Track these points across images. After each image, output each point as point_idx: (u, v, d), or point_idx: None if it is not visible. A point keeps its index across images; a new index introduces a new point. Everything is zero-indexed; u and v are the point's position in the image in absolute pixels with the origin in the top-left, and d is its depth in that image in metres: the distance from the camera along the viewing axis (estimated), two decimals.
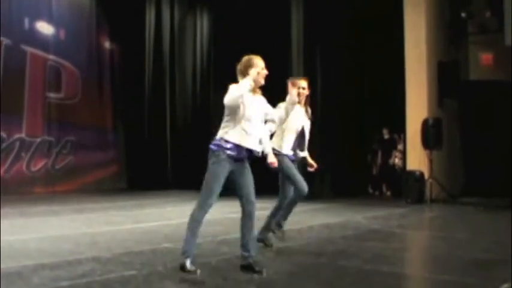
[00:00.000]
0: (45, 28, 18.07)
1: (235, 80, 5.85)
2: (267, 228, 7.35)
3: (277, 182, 7.34)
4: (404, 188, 14.33)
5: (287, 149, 7.19)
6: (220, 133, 5.80)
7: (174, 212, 12.28)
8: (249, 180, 5.86)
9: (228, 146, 5.71)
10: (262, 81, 5.81)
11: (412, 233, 9.97)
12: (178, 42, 19.59)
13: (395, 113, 15.02)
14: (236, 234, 6.06)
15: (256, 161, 5.96)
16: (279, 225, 7.43)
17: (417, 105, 14.40)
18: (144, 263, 6.31)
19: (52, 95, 18.15)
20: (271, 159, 6.36)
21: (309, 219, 10.07)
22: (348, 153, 15.36)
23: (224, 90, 5.77)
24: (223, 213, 10.85)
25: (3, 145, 16.81)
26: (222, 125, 5.83)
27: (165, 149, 19.31)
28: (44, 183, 17.75)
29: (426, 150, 14.15)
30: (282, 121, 6.63)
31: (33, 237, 8.39)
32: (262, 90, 5.97)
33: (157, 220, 10.69)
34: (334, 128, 14.42)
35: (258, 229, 6.84)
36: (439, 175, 14.19)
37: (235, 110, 5.71)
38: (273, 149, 6.86)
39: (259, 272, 5.70)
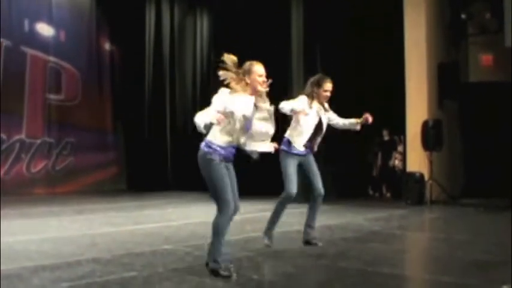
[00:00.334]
0: (45, 30, 18.09)
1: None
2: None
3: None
4: (404, 189, 14.32)
5: (299, 144, 7.17)
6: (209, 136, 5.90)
7: (174, 213, 12.28)
8: (234, 182, 5.94)
9: (217, 148, 5.80)
10: (259, 88, 5.82)
11: (413, 235, 9.96)
12: (178, 44, 19.59)
13: (396, 115, 15.01)
14: (236, 236, 6.07)
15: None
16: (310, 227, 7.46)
17: (417, 107, 14.39)
18: (145, 265, 6.31)
19: (52, 96, 18.16)
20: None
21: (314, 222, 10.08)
22: (348, 155, 15.35)
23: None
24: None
25: (3, 146, 16.83)
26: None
27: (165, 150, 19.31)
28: (44, 185, 17.76)
29: (426, 152, 14.15)
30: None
31: (33, 239, 8.39)
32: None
33: (157, 221, 10.69)
34: (334, 129, 14.41)
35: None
36: (439, 176, 14.19)
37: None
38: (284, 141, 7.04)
39: (227, 277, 5.71)
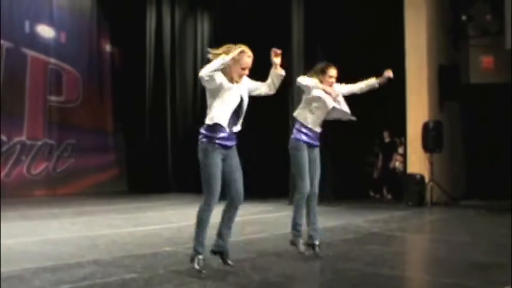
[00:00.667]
0: (46, 31, 18.10)
1: None
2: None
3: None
4: (405, 191, 14.30)
5: (314, 125, 7.11)
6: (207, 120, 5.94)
7: (174, 215, 12.28)
8: (237, 171, 5.96)
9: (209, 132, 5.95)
10: (238, 79, 5.91)
11: (413, 236, 9.96)
12: (178, 46, 19.58)
13: (396, 116, 15.01)
14: (238, 236, 6.07)
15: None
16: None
17: (418, 109, 14.39)
18: (145, 266, 6.32)
19: (53, 98, 18.17)
20: None
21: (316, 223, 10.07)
22: (349, 156, 15.36)
23: None
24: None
25: (4, 148, 16.83)
26: (207, 111, 5.92)
27: (166, 151, 19.30)
28: (45, 186, 17.77)
29: (427, 153, 14.15)
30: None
31: (34, 241, 8.40)
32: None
33: (158, 223, 10.69)
34: (334, 131, 14.42)
35: None
36: (439, 178, 14.19)
37: (214, 92, 5.84)
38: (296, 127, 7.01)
39: (228, 264, 5.91)
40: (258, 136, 13.98)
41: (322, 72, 7.17)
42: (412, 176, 14.06)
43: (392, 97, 15.04)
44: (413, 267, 7.35)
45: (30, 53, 17.59)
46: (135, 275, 5.91)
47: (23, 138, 17.40)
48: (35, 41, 17.80)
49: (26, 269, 6.18)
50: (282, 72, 6.22)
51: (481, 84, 14.88)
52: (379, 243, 8.38)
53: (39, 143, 17.85)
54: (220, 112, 5.87)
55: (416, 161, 14.36)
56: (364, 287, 5.64)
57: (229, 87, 5.90)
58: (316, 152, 7.14)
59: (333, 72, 7.18)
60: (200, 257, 5.89)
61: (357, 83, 7.50)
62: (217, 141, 5.88)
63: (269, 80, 6.26)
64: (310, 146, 7.03)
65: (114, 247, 7.76)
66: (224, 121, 5.86)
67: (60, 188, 18.07)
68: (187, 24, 19.69)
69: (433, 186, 13.96)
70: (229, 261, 6.01)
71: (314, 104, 7.04)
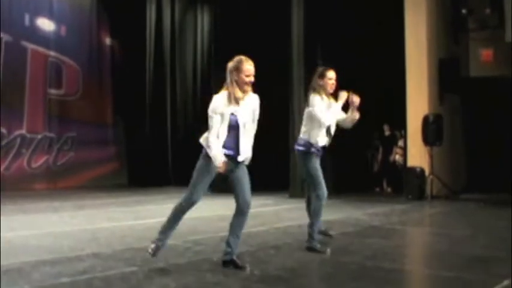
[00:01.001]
0: (46, 24, 18.09)
1: None
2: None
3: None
4: (405, 184, 14.32)
5: (321, 143, 7.10)
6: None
7: None
8: (245, 179, 5.94)
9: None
10: (246, 88, 5.84)
11: (413, 230, 9.96)
12: (178, 39, 19.59)
13: (396, 110, 15.01)
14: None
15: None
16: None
17: (418, 102, 14.39)
18: (145, 260, 6.30)
19: (53, 91, 18.17)
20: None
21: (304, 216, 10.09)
22: (349, 150, 15.36)
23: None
24: (226, 210, 10.86)
25: (4, 141, 16.83)
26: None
27: (166, 145, 19.31)
28: (45, 180, 17.78)
29: (427, 147, 14.16)
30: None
31: (34, 234, 8.39)
32: (259, 89, 6.01)
33: (158, 216, 10.64)
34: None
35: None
36: (439, 171, 14.19)
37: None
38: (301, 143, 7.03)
39: (243, 268, 5.77)
40: (258, 129, 14.02)
41: (322, 76, 7.15)
42: (412, 170, 14.07)
43: (392, 90, 15.05)
44: (414, 260, 7.35)
45: (30, 46, 17.58)
46: (135, 268, 5.91)
47: (23, 131, 17.40)
48: (35, 34, 17.78)
49: (26, 262, 6.17)
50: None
51: (481, 77, 14.88)
52: (379, 236, 8.38)
53: (39, 136, 17.85)
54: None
55: (416, 154, 14.37)
56: (364, 280, 5.63)
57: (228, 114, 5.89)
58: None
59: (331, 74, 7.16)
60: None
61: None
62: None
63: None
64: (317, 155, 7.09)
65: (114, 240, 7.76)
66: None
67: (60, 181, 18.08)
68: (187, 18, 19.69)
69: (433, 180, 13.97)
70: (244, 265, 5.91)
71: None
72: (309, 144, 7.00)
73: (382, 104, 15.72)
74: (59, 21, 18.41)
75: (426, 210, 12.37)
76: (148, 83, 19.60)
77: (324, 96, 7.10)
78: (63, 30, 18.59)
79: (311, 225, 7.02)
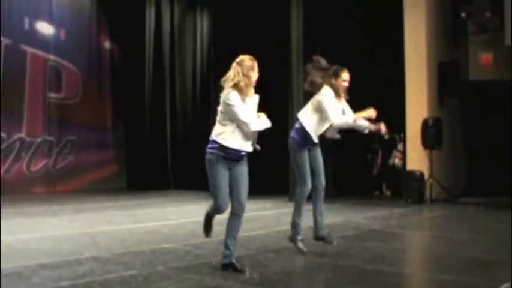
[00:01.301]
0: (45, 28, 18.07)
1: None
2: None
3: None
4: (404, 188, 14.31)
5: (316, 135, 7.09)
6: (216, 136, 5.95)
7: (174, 212, 12.29)
8: (242, 179, 5.94)
9: (216, 146, 5.93)
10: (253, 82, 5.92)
11: (412, 233, 9.97)
12: (178, 42, 19.58)
13: (396, 113, 15.00)
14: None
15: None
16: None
17: (417, 105, 14.40)
18: (144, 263, 6.32)
19: (52, 95, 18.14)
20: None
21: (309, 219, 10.07)
22: (348, 153, 15.35)
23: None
24: (225, 213, 10.84)
25: (4, 145, 16.81)
26: (217, 127, 5.92)
27: (165, 148, 19.30)
28: (44, 183, 17.75)
29: (426, 150, 14.15)
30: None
31: (33, 237, 8.40)
32: (261, 90, 6.02)
33: (157, 220, 10.69)
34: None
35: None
36: (439, 175, 14.19)
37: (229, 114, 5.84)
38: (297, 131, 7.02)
39: (243, 271, 5.78)
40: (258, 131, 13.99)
41: (336, 75, 7.15)
42: (412, 173, 14.07)
43: (392, 94, 15.05)
44: (413, 264, 7.35)
45: (29, 49, 17.57)
46: (135, 271, 5.91)
47: (23, 135, 17.38)
48: (34, 38, 17.77)
49: (26, 265, 6.18)
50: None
51: (481, 81, 14.89)
52: (379, 240, 8.39)
53: (39, 139, 17.83)
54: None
55: (415, 157, 14.37)
56: (364, 283, 5.63)
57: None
58: (317, 150, 7.16)
59: (346, 76, 7.17)
60: None
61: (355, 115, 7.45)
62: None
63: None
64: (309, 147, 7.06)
65: (114, 244, 7.76)
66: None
67: (60, 185, 18.05)
68: (186, 21, 19.69)
69: (432, 183, 13.96)
70: (243, 268, 5.94)
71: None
72: (307, 136, 6.99)
73: (381, 107, 15.70)
74: (59, 25, 18.39)
75: (425, 214, 12.37)
76: (148, 86, 19.59)
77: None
78: (62, 34, 18.57)
79: (293, 218, 7.05)
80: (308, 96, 7.29)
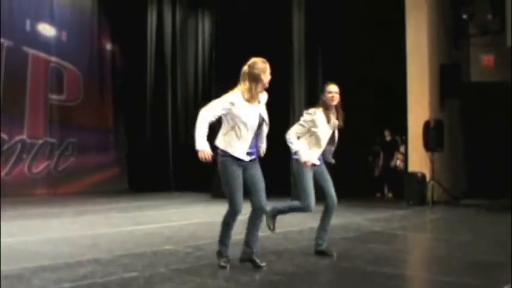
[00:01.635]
0: (47, 30, 18.09)
1: (236, 82, 5.89)
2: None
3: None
4: (406, 189, 14.31)
5: (314, 156, 7.03)
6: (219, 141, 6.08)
7: (175, 214, 12.28)
8: (258, 181, 6.01)
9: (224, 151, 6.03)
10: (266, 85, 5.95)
11: (414, 235, 9.96)
12: (180, 44, 19.59)
13: (397, 115, 15.01)
14: (238, 235, 6.06)
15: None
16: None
17: (419, 107, 14.39)
18: (146, 265, 6.31)
19: (54, 96, 18.16)
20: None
21: (310, 221, 10.05)
22: (350, 155, 15.35)
23: (225, 91, 5.86)
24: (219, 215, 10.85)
25: (5, 147, 16.82)
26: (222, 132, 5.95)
27: (167, 150, 19.31)
28: (46, 185, 17.76)
29: (428, 152, 14.15)
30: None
31: (34, 239, 8.40)
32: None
33: (158, 222, 10.69)
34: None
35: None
36: (440, 177, 14.19)
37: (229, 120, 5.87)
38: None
39: (259, 266, 5.93)
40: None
41: (323, 91, 7.13)
42: (413, 175, 14.07)
43: (393, 96, 15.05)
44: (414, 265, 7.35)
45: (31, 51, 17.58)
46: (136, 273, 5.91)
47: (24, 136, 17.39)
48: (35, 40, 17.79)
49: (26, 268, 6.17)
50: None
51: (482, 83, 14.89)
52: (380, 241, 8.38)
53: (40, 141, 17.84)
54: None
55: (417, 159, 14.37)
56: (365, 285, 5.63)
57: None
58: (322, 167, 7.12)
59: (331, 88, 7.11)
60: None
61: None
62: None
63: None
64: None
65: (115, 246, 7.76)
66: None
67: (61, 187, 18.06)
68: (188, 23, 19.69)
69: (434, 185, 13.96)
70: (261, 264, 6.01)
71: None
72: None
73: (383, 109, 15.72)
74: (60, 27, 18.42)
75: (427, 216, 12.37)
76: (149, 88, 19.60)
77: (331, 114, 7.07)
78: (64, 36, 18.59)
79: (278, 209, 7.05)
80: (311, 99, 7.27)
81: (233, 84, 6.09)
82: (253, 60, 5.99)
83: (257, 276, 5.73)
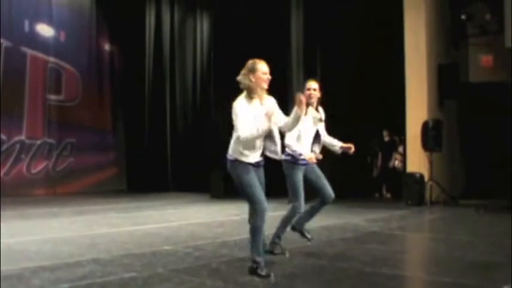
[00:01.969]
0: (45, 30, 18.11)
1: (235, 83, 5.88)
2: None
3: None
4: (404, 190, 14.30)
5: (304, 154, 7.02)
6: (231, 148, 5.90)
7: (174, 214, 12.28)
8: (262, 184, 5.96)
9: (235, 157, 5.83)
10: (264, 86, 5.86)
11: (412, 235, 9.96)
12: (178, 45, 19.60)
13: (396, 115, 15.01)
14: (237, 236, 6.06)
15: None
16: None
17: (417, 108, 14.39)
18: (144, 265, 6.32)
19: (52, 97, 18.19)
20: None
21: (310, 221, 10.08)
22: (348, 156, 15.34)
23: (224, 91, 5.86)
24: (225, 216, 10.87)
25: (4, 147, 16.83)
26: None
27: (165, 151, 19.32)
28: (44, 185, 17.78)
29: (426, 152, 14.14)
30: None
31: (33, 239, 8.40)
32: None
33: (157, 222, 10.70)
34: (334, 130, 14.38)
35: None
36: (439, 177, 14.18)
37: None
38: (286, 152, 6.90)
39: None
40: None
41: (304, 87, 7.16)
42: (412, 175, 14.06)
43: (392, 96, 15.05)
44: (413, 266, 7.35)
45: (29, 51, 17.60)
46: (135, 273, 5.91)
47: (23, 137, 17.41)
48: (34, 40, 17.81)
49: (25, 268, 6.18)
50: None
51: (481, 83, 14.88)
52: (379, 242, 8.38)
53: (39, 142, 17.86)
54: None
55: (415, 160, 14.37)
56: (363, 286, 5.63)
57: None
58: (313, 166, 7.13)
59: (310, 84, 7.11)
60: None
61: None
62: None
63: (288, 119, 6.16)
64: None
65: (114, 246, 7.76)
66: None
67: (60, 187, 18.08)
68: (186, 23, 19.69)
69: (432, 185, 13.95)
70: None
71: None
72: (296, 155, 6.97)
73: (381, 110, 15.72)
74: (59, 27, 18.44)
75: (425, 216, 12.36)
76: (148, 88, 19.62)
77: (309, 110, 7.04)
78: (62, 36, 18.61)
79: (277, 230, 7.05)
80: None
81: (232, 84, 6.07)
82: (252, 61, 5.97)
83: (256, 277, 5.72)
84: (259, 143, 5.84)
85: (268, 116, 5.59)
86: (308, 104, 6.90)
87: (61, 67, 18.49)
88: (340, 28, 15.12)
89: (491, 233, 9.44)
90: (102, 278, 5.71)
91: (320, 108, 7.26)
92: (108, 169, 19.88)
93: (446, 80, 14.69)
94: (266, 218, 5.78)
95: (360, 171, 16.33)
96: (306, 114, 6.79)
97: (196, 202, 14.76)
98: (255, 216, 5.79)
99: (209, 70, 18.58)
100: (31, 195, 16.85)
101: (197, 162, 17.42)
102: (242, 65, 5.92)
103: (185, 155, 18.37)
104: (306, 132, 6.98)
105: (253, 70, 5.81)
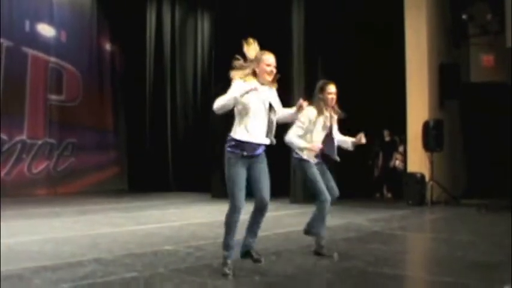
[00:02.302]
0: (46, 30, 18.11)
1: None
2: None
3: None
4: (405, 190, 14.30)
5: (310, 155, 7.02)
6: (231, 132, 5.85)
7: (175, 214, 12.28)
8: (263, 177, 5.87)
9: (233, 143, 5.75)
10: (267, 78, 5.90)
11: (414, 235, 9.96)
12: (179, 44, 19.60)
13: (397, 115, 15.01)
14: (237, 236, 6.05)
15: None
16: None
17: (418, 107, 14.39)
18: (146, 265, 6.32)
19: (53, 97, 18.19)
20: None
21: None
22: (349, 156, 15.33)
23: (225, 91, 5.85)
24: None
25: (5, 147, 16.84)
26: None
27: (166, 150, 19.32)
28: (46, 185, 17.79)
29: (427, 152, 14.14)
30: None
31: (35, 239, 8.39)
32: None
33: (158, 222, 10.70)
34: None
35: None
36: (440, 177, 14.18)
37: (238, 108, 5.79)
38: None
39: (258, 261, 5.82)
40: None
41: (321, 90, 7.13)
42: (413, 175, 14.06)
43: (392, 96, 15.05)
44: (414, 266, 7.34)
45: (30, 51, 17.60)
46: (136, 273, 5.91)
47: (24, 137, 17.41)
48: (35, 40, 17.81)
49: (27, 268, 6.18)
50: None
51: (482, 83, 14.89)
52: (380, 242, 8.38)
53: (40, 142, 17.86)
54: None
55: (416, 159, 14.36)
56: (365, 285, 5.63)
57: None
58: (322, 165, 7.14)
59: (331, 88, 7.13)
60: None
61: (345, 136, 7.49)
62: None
63: (284, 114, 6.18)
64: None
65: (115, 246, 7.76)
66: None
67: (61, 187, 18.08)
68: (187, 23, 19.70)
69: (433, 185, 13.96)
70: (259, 258, 5.90)
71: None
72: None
73: (382, 110, 15.72)
74: (59, 27, 18.45)
75: (426, 216, 12.36)
76: (149, 88, 19.63)
77: (324, 112, 7.07)
78: (63, 36, 18.62)
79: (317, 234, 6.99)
80: (308, 99, 7.21)
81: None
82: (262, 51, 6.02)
83: (257, 277, 5.73)
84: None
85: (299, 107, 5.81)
86: (327, 108, 7.09)
87: (62, 67, 18.50)
88: (341, 28, 15.12)
89: (492, 233, 9.44)
90: (103, 278, 5.71)
91: (336, 108, 7.29)
92: (109, 169, 19.90)
93: (448, 80, 14.69)
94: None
95: (361, 172, 16.33)
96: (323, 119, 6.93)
97: (198, 202, 14.76)
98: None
99: (210, 70, 18.56)
100: (32, 195, 16.86)
101: (198, 162, 17.44)
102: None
103: (186, 155, 18.38)
104: (315, 134, 6.99)
105: (258, 60, 5.87)
